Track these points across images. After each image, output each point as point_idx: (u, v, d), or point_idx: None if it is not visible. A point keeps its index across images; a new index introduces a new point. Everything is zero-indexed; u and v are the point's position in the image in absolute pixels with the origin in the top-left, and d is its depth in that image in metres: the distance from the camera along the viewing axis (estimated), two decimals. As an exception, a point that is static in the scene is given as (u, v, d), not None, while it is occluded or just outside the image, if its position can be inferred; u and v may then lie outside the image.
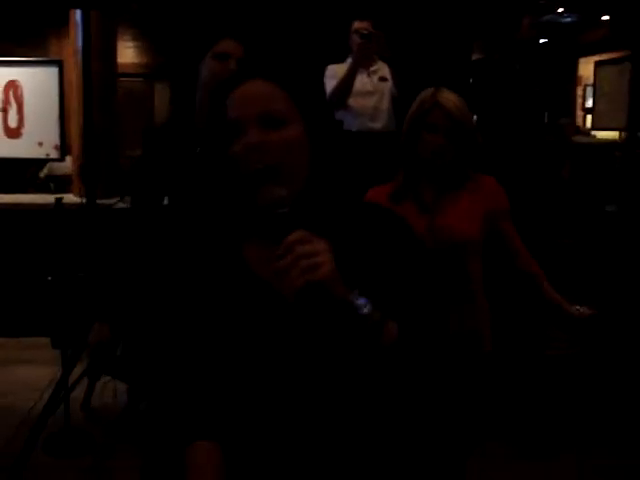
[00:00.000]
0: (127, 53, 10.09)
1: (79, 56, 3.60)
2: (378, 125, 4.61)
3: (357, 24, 4.46)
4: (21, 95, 5.15)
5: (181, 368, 1.34)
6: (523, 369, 3.79)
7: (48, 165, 6.81)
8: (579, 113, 11.32)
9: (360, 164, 4.11)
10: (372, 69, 4.62)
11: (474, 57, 5.11)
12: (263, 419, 1.25)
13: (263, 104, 1.27)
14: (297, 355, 1.25)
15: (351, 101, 4.60)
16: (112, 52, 5.43)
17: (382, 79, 4.62)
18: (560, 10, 8.44)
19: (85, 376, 3.53)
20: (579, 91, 11.26)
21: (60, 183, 6.51)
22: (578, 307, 2.42)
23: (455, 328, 2.08)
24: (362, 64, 4.45)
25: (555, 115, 4.60)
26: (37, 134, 5.18)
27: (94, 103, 4.45)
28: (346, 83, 4.40)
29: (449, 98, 2.25)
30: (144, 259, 2.57)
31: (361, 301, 1.18)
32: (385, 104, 4.67)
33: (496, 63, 4.52)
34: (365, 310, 1.18)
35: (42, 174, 7.04)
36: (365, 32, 4.31)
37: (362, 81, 4.61)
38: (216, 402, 1.28)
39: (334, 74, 4.50)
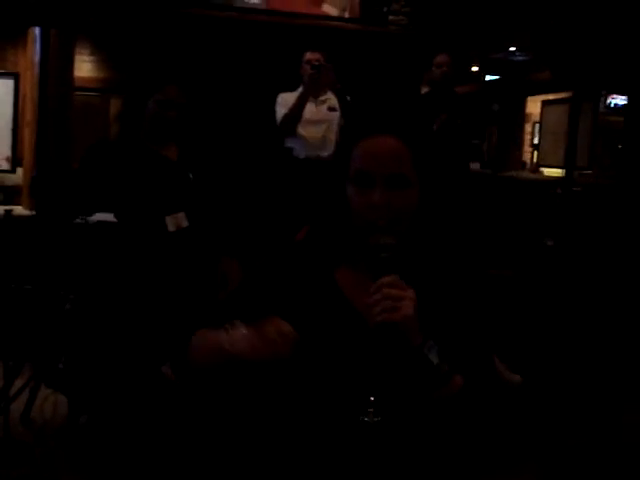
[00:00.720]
0: (84, 67, 10.07)
1: (36, 70, 3.65)
2: (325, 153, 4.75)
3: (309, 55, 4.63)
4: (-27, 105, 5.14)
5: None
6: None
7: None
8: (527, 149, 11.66)
9: (306, 190, 4.25)
10: (321, 99, 4.77)
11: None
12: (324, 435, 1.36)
13: (396, 165, 1.35)
14: (367, 382, 1.34)
15: (300, 129, 4.73)
16: (69, 67, 5.49)
17: (331, 109, 4.77)
18: (512, 49, 8.73)
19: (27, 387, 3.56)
20: (528, 128, 11.61)
21: (9, 194, 6.49)
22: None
23: None
24: (312, 94, 4.59)
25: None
26: (-12, 145, 5.16)
27: (49, 117, 4.51)
28: (295, 111, 4.54)
29: None
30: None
31: (433, 352, 1.30)
32: (333, 133, 4.81)
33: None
34: (435, 360, 1.30)
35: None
36: (316, 63, 4.46)
37: (311, 110, 4.76)
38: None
39: (285, 102, 4.64)
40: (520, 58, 8.53)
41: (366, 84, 4.99)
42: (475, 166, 9.38)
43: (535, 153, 10.42)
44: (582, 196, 6.17)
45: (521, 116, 9.65)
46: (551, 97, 7.97)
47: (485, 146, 9.72)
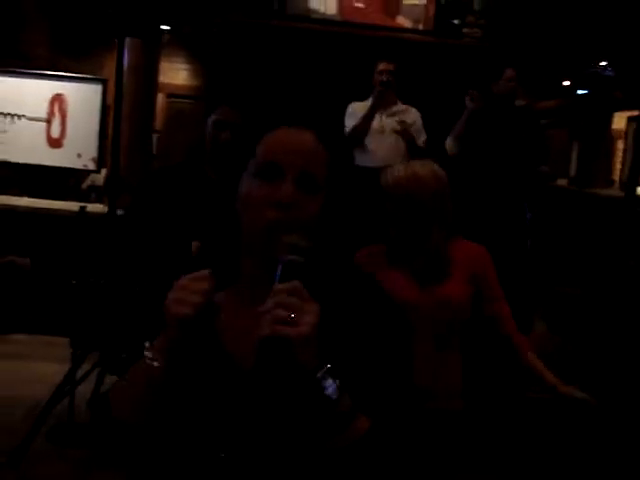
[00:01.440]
0: (179, 75, 10.48)
1: (123, 76, 3.88)
2: (394, 164, 4.77)
3: (382, 65, 4.67)
4: (65, 108, 5.46)
5: None
6: (504, 412, 3.88)
7: (91, 176, 7.15)
8: (618, 166, 11.31)
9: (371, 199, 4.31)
10: (392, 110, 4.80)
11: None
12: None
13: (308, 162, 1.19)
14: (248, 425, 1.15)
15: (368, 141, 4.79)
16: (153, 74, 5.73)
17: (401, 122, 4.79)
18: (603, 63, 8.56)
19: (94, 370, 3.77)
20: (620, 144, 11.25)
21: (100, 193, 6.83)
22: (572, 389, 2.39)
23: (429, 384, 2.24)
24: (379, 108, 4.65)
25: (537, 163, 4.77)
26: (77, 146, 5.48)
27: (129, 121, 4.76)
28: (364, 124, 4.60)
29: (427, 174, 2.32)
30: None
31: (329, 381, 1.04)
32: (401, 146, 4.84)
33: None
34: (330, 392, 1.04)
35: (85, 185, 7.37)
36: (384, 80, 4.52)
37: (381, 122, 4.80)
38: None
39: (353, 113, 4.71)
40: (609, 73, 8.37)
41: (439, 96, 5.03)
42: (562, 182, 9.25)
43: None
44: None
45: (608, 132, 9.42)
46: (637, 113, 7.79)
47: (572, 163, 9.56)
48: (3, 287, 5.18)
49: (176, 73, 10.29)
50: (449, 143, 4.75)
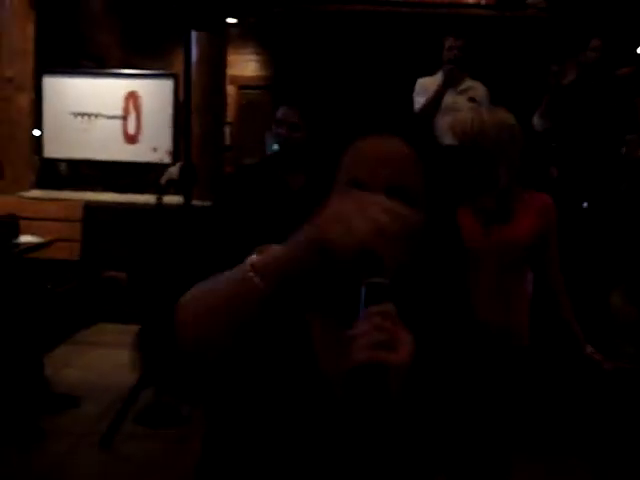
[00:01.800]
0: (249, 66, 10.62)
1: (191, 70, 4.00)
2: None
3: (450, 42, 4.66)
4: (140, 105, 5.66)
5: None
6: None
7: (168, 171, 7.36)
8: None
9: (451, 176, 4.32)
10: (461, 88, 4.78)
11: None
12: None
13: (396, 173, 1.05)
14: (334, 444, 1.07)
15: (439, 119, 4.79)
16: (221, 66, 5.87)
17: (471, 99, 4.77)
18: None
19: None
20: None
21: (177, 186, 7.03)
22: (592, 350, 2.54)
23: (499, 320, 2.37)
24: (448, 87, 4.64)
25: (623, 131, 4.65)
26: (152, 140, 5.67)
27: (200, 114, 4.90)
28: (433, 103, 4.59)
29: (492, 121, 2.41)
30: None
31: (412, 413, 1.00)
32: None
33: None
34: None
35: (163, 179, 7.59)
36: (452, 57, 4.51)
37: (451, 99, 4.79)
38: None
39: (422, 89, 4.71)
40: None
41: (506, 70, 4.98)
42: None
43: None
44: None
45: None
46: None
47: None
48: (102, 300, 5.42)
49: (246, 65, 10.42)
50: (536, 121, 4.71)
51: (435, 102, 4.60)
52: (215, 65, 5.62)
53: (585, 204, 4.20)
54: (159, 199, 4.35)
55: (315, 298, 1.08)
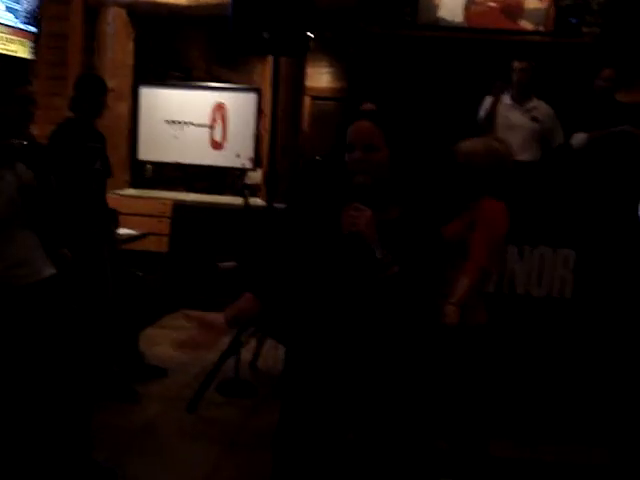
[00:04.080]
0: (322, 78, 11.14)
1: (278, 89, 4.52)
2: (524, 157, 5.13)
3: (516, 64, 5.09)
4: (226, 115, 6.23)
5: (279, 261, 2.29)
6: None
7: (248, 174, 7.95)
8: None
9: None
10: (527, 107, 5.18)
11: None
12: (322, 297, 2.21)
13: (369, 137, 2.16)
14: (343, 270, 2.17)
15: (500, 133, 5.19)
16: (300, 81, 6.41)
17: (533, 119, 5.17)
18: None
19: (254, 336, 4.47)
20: None
21: (253, 190, 7.59)
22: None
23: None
24: (516, 103, 5.08)
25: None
26: (236, 147, 6.24)
27: (280, 125, 5.42)
28: (486, 117, 5.04)
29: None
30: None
31: (380, 249, 2.09)
32: (533, 141, 5.20)
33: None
34: (379, 255, 2.09)
35: (243, 182, 8.17)
36: (517, 79, 4.97)
37: (515, 116, 5.20)
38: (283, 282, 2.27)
39: (484, 105, 5.16)
40: None
41: (563, 91, 5.37)
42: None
43: None
44: None
45: None
46: None
47: None
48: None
49: (320, 77, 10.92)
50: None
51: (487, 116, 5.04)
52: (295, 81, 6.15)
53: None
54: (246, 201, 4.88)
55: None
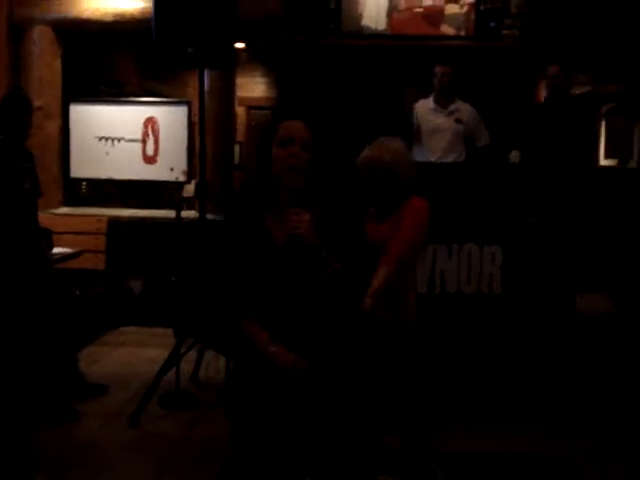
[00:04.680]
0: (257, 88, 11.21)
1: (204, 100, 4.56)
2: (449, 159, 5.28)
3: (437, 68, 5.23)
4: (157, 129, 6.23)
5: (227, 286, 2.37)
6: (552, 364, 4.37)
7: (185, 188, 7.95)
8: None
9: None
10: (450, 109, 5.33)
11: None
12: (270, 306, 2.29)
13: (306, 135, 2.28)
14: (287, 275, 2.27)
15: (426, 137, 5.33)
16: (231, 91, 6.46)
17: (457, 120, 5.31)
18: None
19: (193, 348, 4.50)
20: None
21: (190, 203, 7.61)
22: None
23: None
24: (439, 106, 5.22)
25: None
26: (169, 161, 6.23)
27: (210, 136, 5.46)
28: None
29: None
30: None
31: (323, 250, 2.22)
32: (458, 143, 5.35)
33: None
34: (324, 254, 2.23)
35: (179, 196, 8.17)
36: (440, 83, 5.11)
37: (440, 119, 5.33)
38: (248, 301, 2.30)
39: (416, 110, 5.29)
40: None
41: (485, 95, 5.53)
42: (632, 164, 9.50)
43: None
44: None
45: None
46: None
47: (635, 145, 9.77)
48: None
49: (254, 86, 11.00)
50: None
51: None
52: (225, 92, 6.20)
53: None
54: (178, 214, 4.91)
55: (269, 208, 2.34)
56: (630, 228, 6.92)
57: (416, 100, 5.25)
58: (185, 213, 5.80)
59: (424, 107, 5.35)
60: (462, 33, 5.76)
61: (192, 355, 4.66)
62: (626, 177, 7.72)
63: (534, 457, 3.75)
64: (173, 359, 4.35)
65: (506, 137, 5.38)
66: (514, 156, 5.06)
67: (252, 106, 11.17)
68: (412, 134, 5.20)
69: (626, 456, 3.79)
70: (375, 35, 5.78)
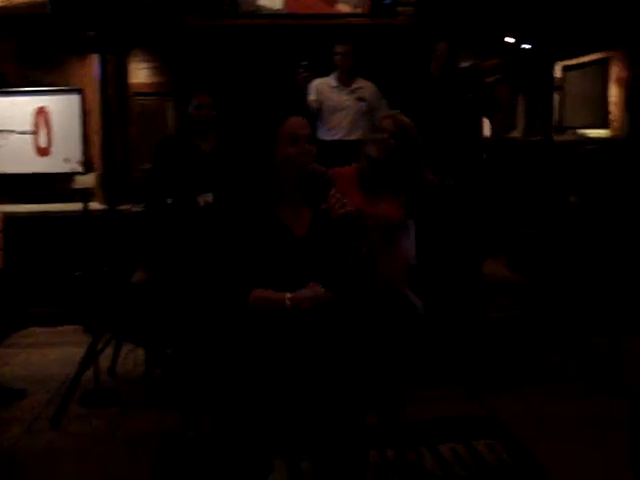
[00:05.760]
0: (140, 74, 10.91)
1: (96, 84, 4.41)
2: (352, 137, 5.31)
3: (338, 48, 5.23)
4: (49, 119, 5.99)
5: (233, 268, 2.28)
6: (467, 328, 4.56)
7: (76, 179, 7.67)
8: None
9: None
10: (352, 88, 5.34)
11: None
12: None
13: (309, 130, 2.31)
14: (308, 266, 2.24)
15: (328, 115, 5.34)
16: (125, 80, 6.27)
17: (360, 99, 5.34)
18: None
19: (110, 342, 4.38)
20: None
21: (83, 194, 7.36)
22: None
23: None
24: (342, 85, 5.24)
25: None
26: (63, 152, 6.01)
27: (110, 124, 5.28)
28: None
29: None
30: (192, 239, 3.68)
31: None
32: (360, 120, 5.39)
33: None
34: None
35: (71, 187, 7.89)
36: (340, 62, 5.12)
37: (341, 98, 5.34)
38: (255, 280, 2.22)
39: (314, 88, 5.27)
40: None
41: (382, 71, 5.58)
42: (515, 134, 9.86)
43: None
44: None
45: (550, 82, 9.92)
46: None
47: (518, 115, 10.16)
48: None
49: (138, 72, 10.70)
50: None
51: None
52: (119, 78, 6.02)
53: (451, 182, 4.78)
54: (85, 206, 4.74)
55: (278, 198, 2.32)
56: (517, 196, 7.25)
57: (308, 80, 5.24)
58: (76, 205, 5.61)
59: (326, 85, 5.34)
60: (359, 11, 5.78)
61: (107, 350, 4.53)
62: (528, 148, 8.09)
63: (463, 419, 3.90)
64: (89, 356, 4.21)
65: (407, 113, 5.45)
66: None
67: (137, 92, 10.87)
68: (312, 114, 5.18)
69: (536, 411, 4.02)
70: (271, 15, 5.72)
